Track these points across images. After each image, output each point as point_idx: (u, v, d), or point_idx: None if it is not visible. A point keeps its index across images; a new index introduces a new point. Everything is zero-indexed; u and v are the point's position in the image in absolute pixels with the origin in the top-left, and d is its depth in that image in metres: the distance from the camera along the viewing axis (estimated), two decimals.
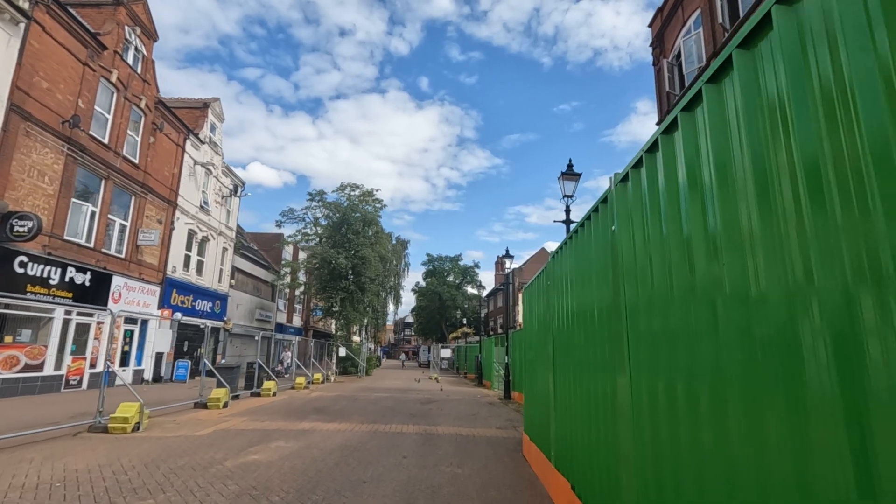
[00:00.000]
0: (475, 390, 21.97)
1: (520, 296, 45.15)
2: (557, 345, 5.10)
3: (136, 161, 18.81)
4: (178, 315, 21.86)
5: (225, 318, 27.33)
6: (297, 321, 43.61)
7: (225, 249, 27.47)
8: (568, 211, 10.64)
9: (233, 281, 28.64)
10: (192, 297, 23.47)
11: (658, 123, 16.28)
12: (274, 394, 16.29)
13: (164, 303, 21.00)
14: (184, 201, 22.44)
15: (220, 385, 14.49)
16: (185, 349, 23.55)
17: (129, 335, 19.02)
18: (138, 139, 19.01)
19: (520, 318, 42.43)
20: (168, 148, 21.06)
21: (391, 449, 7.41)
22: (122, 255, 18.26)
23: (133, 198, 18.77)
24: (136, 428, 8.64)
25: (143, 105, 18.91)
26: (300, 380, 20.04)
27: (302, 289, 34.00)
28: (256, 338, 18.85)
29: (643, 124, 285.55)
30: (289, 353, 21.36)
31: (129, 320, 18.84)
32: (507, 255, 18.76)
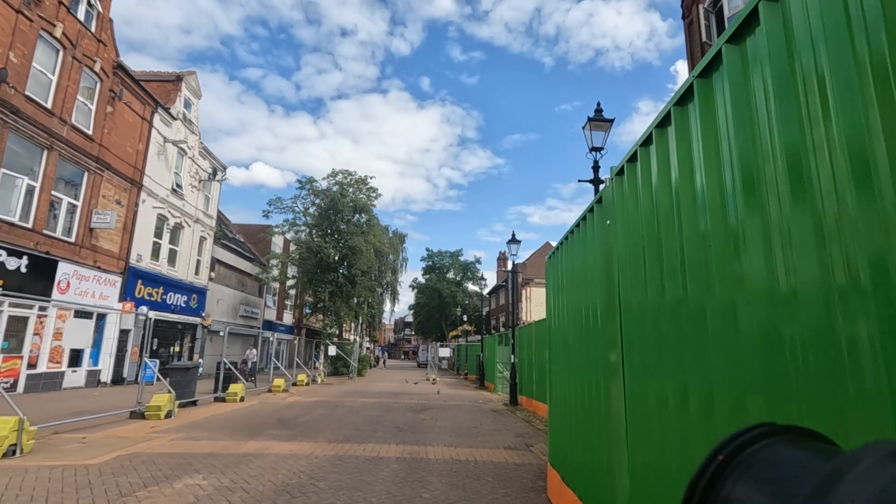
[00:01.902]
0: (476, 394, 19.61)
1: (523, 292, 42.72)
2: (633, 333, 2.73)
3: (90, 132, 16.46)
4: (144, 309, 19.44)
5: (203, 314, 24.99)
6: (288, 319, 41.25)
7: (203, 239, 25.12)
8: (596, 168, 8.27)
9: (212, 273, 26.30)
10: (162, 289, 21.12)
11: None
12: (241, 399, 13.93)
13: (126, 295, 18.65)
14: (151, 182, 20.09)
15: (176, 390, 12.16)
16: (156, 347, 21.20)
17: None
18: (92, 108, 16.65)
19: (523, 316, 40.02)
20: (131, 121, 18.71)
21: (355, 490, 5.04)
22: (72, 239, 15.91)
23: (86, 174, 16.42)
24: (13, 451, 6.29)
25: (97, 69, 16.55)
26: (278, 382, 17.70)
27: (293, 282, 31.55)
28: (221, 333, 16.51)
29: (645, 124, 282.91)
30: (254, 352, 18.98)
31: (83, 314, 16.47)
32: (514, 240, 16.38)
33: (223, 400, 13.75)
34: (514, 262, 16.42)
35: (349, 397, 16.21)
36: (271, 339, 18.79)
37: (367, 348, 62.32)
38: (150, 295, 20.21)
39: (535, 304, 42.26)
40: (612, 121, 8.29)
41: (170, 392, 10.47)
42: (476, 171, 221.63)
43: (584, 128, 8.49)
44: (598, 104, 8.43)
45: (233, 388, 14.00)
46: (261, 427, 9.10)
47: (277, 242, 35.43)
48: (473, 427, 10.05)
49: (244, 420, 10.03)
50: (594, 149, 8.34)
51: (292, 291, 37.94)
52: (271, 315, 37.57)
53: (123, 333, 18.78)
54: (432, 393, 19.20)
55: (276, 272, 30.80)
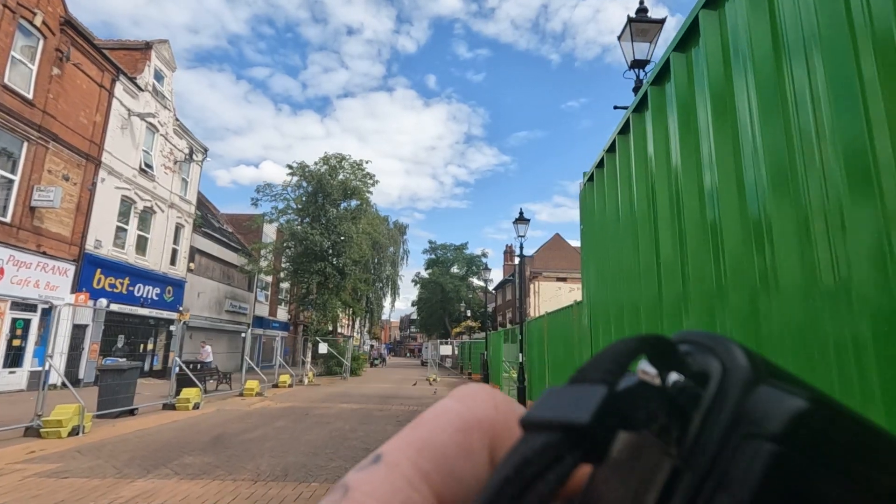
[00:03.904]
0: None
1: (531, 286, 40.25)
2: None
3: (30, 96, 14.25)
4: (104, 301, 17.33)
5: (180, 308, 22.80)
6: (283, 315, 39.09)
7: (180, 226, 22.93)
8: (639, 90, 5.82)
9: (192, 264, 24.11)
10: (128, 280, 18.94)
11: None
12: (195, 406, 11.65)
13: (81, 285, 16.48)
14: (113, 159, 17.87)
15: (107, 397, 9.95)
16: (122, 344, 19.06)
17: (20, 325, 14.51)
18: (34, 68, 14.43)
19: (531, 311, 37.50)
20: (86, 88, 16.48)
21: None
22: (7, 219, 13.72)
23: (25, 144, 14.21)
24: None
25: (38, 23, 14.32)
26: (251, 384, 15.44)
27: (282, 274, 29.29)
28: (172, 328, 14.26)
29: None
30: (208, 349, 16.70)
31: (23, 306, 14.29)
32: (521, 219, 13.97)
33: (173, 408, 11.48)
34: (521, 245, 14.02)
35: (328, 402, 13.90)
36: (243, 335, 16.50)
37: (373, 346, 60.18)
38: (112, 286, 18.02)
39: (543, 299, 39.78)
40: (662, 21, 5.84)
41: (78, 402, 8.16)
42: (482, 168, 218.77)
43: (619, 38, 6.05)
44: (642, 1, 5.97)
45: (185, 392, 11.72)
46: (181, 450, 6.78)
47: (270, 234, 33.19)
48: None
49: (170, 438, 7.72)
50: (636, 63, 5.89)
51: (284, 285, 35.79)
52: (263, 311, 35.41)
53: (79, 329, 16.62)
54: (428, 396, 16.86)
55: (265, 263, 28.51)
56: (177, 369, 12.23)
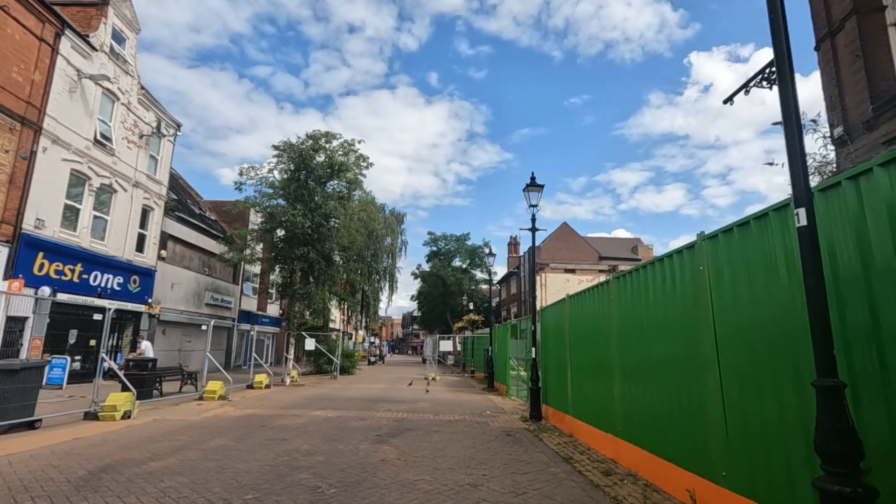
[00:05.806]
0: (482, 399, 14.76)
1: (538, 278, 37.74)
2: None
3: None
4: (46, 290, 14.92)
5: (149, 300, 20.43)
6: (273, 310, 36.72)
7: (149, 208, 20.50)
8: None
9: (163, 252, 21.70)
10: (81, 266, 16.53)
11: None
12: (126, 415, 9.23)
13: (17, 271, 14.07)
14: (59, 126, 15.44)
15: None
16: (74, 341, 16.67)
17: None
18: None
19: (538, 304, 35.00)
20: (20, 39, 14.05)
21: None
22: None
23: None
24: None
25: None
26: (213, 386, 13.06)
27: (265, 264, 26.79)
28: (99, 317, 11.85)
29: (655, 117, 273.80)
30: (146, 344, 14.26)
31: None
32: (533, 185, 11.48)
33: (96, 418, 9.06)
34: (533, 217, 11.51)
35: (300, 409, 11.45)
36: (203, 327, 14.08)
37: (372, 343, 57.67)
38: (59, 273, 15.61)
39: (550, 292, 37.37)
40: None
41: None
42: (485, 165, 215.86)
43: None
44: None
45: (112, 399, 9.28)
46: (15, 498, 4.34)
47: (258, 222, 30.72)
48: (469, 483, 5.21)
49: (29, 472, 5.28)
50: None
51: (273, 276, 33.30)
52: (251, 305, 33.06)
53: (14, 322, 14.22)
54: (422, 398, 14.43)
55: (248, 252, 26.02)
56: (104, 368, 9.77)
